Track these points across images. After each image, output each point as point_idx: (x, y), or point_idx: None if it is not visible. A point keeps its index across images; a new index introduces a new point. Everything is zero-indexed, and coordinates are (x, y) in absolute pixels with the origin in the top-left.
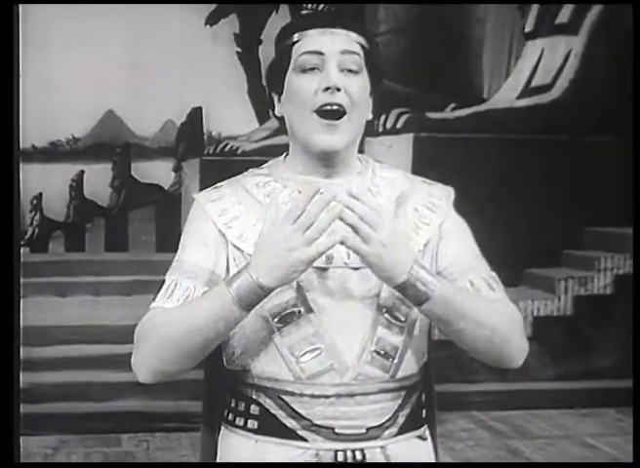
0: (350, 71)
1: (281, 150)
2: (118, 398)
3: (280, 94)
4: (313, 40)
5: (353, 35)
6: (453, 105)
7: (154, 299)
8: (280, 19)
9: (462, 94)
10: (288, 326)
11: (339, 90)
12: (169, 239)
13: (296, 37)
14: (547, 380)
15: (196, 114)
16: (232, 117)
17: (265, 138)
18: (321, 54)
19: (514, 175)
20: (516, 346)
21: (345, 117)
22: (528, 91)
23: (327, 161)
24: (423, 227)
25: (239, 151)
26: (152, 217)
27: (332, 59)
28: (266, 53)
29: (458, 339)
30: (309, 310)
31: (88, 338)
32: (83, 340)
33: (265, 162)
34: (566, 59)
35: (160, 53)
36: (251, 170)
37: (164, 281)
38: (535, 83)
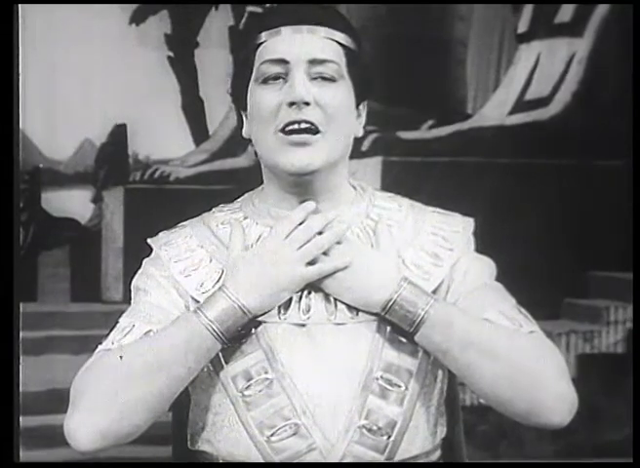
0: (325, 79)
1: (221, 177)
2: None
3: (246, 110)
4: (279, 43)
5: (335, 34)
6: (430, 123)
7: (101, 343)
8: (221, 16)
9: (442, 109)
10: (256, 397)
11: (307, 104)
12: (86, 286)
13: (263, 37)
14: (545, 457)
15: (119, 133)
16: (163, 137)
17: (203, 163)
18: (285, 62)
19: (503, 208)
20: (553, 391)
21: (319, 135)
22: (521, 105)
23: (302, 188)
24: (434, 271)
25: (171, 178)
26: (67, 259)
27: (298, 67)
28: (204, 58)
29: (472, 382)
30: (282, 377)
31: None
32: None
33: (205, 192)
34: (568, 67)
35: (75, 57)
36: (221, 205)
37: (115, 323)
38: (530, 95)
